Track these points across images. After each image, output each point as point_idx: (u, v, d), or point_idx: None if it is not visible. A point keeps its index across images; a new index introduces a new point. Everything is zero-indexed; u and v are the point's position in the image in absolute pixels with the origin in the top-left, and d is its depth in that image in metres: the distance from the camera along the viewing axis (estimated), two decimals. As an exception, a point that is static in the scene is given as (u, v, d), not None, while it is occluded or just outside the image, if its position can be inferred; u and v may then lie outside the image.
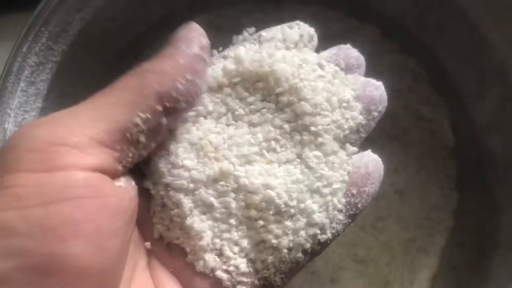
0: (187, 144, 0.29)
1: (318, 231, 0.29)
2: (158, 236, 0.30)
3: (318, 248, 0.30)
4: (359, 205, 0.30)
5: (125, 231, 0.25)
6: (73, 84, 0.42)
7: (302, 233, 0.29)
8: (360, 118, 0.31)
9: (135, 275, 0.28)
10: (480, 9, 0.39)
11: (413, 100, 0.51)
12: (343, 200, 0.30)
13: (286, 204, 0.29)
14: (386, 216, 0.51)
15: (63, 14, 0.37)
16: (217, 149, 0.29)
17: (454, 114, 0.50)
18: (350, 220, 0.30)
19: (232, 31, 0.52)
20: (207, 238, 0.29)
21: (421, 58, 0.50)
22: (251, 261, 0.29)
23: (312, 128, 0.30)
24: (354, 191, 0.30)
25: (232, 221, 0.29)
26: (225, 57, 0.32)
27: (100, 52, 0.45)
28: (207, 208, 0.29)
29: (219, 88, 0.30)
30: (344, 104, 0.31)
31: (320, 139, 0.30)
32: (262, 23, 0.52)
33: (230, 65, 0.31)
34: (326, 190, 0.29)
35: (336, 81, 0.32)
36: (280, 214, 0.29)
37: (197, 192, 0.29)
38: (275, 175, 0.29)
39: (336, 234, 0.30)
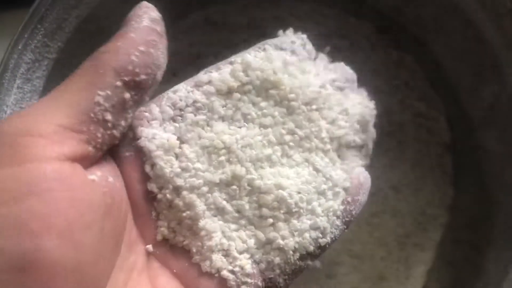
0: (198, 148, 0.30)
1: (320, 235, 0.30)
2: (161, 238, 0.30)
3: (318, 252, 0.31)
4: (353, 212, 0.32)
5: (100, 226, 0.25)
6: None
7: (307, 235, 0.30)
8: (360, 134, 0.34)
9: (132, 278, 0.28)
10: (475, 4, 0.39)
11: (409, 96, 0.51)
12: (341, 207, 0.31)
13: (296, 204, 0.30)
14: (382, 212, 0.51)
15: (59, 11, 0.37)
16: (230, 149, 0.30)
17: (450, 110, 0.50)
18: (345, 227, 0.32)
19: (229, 28, 0.53)
20: (216, 238, 0.29)
21: (417, 54, 0.50)
22: (256, 262, 0.30)
23: (323, 135, 0.31)
24: (349, 199, 0.32)
25: (242, 221, 0.30)
26: (232, 63, 0.32)
27: (96, 47, 0.45)
28: (219, 210, 0.30)
29: (229, 92, 0.31)
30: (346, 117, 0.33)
31: (328, 146, 0.32)
32: (259, 20, 0.53)
33: (239, 71, 0.31)
34: (330, 193, 0.31)
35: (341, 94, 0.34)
36: (290, 213, 0.30)
37: (210, 195, 0.30)
38: (287, 176, 0.30)
39: (333, 239, 0.31)
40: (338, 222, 0.31)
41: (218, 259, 0.29)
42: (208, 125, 0.31)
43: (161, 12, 0.50)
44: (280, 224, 0.30)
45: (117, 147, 0.29)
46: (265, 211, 0.30)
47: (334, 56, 0.52)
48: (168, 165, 0.29)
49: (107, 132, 0.26)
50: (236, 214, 0.30)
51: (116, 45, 0.27)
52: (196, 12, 0.52)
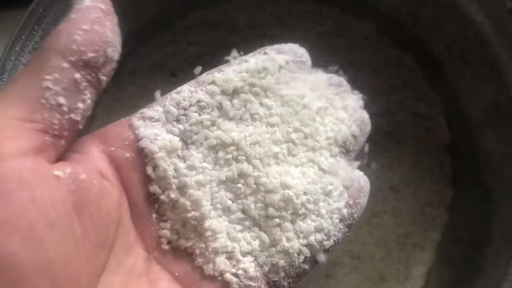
0: (204, 147, 0.30)
1: (325, 237, 0.30)
2: (166, 241, 0.30)
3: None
4: (355, 215, 0.32)
5: (67, 224, 0.25)
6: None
7: (312, 237, 0.30)
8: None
9: (130, 281, 0.28)
10: (475, 5, 0.39)
11: (408, 96, 0.51)
12: (345, 209, 0.31)
13: (303, 204, 0.30)
14: (381, 212, 0.51)
15: (56, 12, 0.37)
16: (239, 146, 0.30)
17: (449, 110, 0.50)
18: (347, 230, 0.32)
19: (228, 27, 0.53)
20: (221, 239, 0.29)
21: (416, 54, 0.50)
22: (259, 265, 0.30)
23: (329, 134, 0.32)
24: (351, 202, 0.32)
25: (247, 222, 0.30)
26: (233, 64, 0.32)
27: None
28: (224, 211, 0.30)
29: (234, 92, 0.31)
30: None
31: (333, 147, 0.32)
32: (257, 20, 0.53)
33: (242, 72, 0.31)
34: (335, 194, 0.31)
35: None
36: (296, 214, 0.30)
37: (216, 195, 0.30)
38: (293, 176, 0.30)
39: (336, 242, 0.31)
40: (341, 225, 0.31)
41: (221, 261, 0.29)
42: (213, 124, 0.30)
43: (161, 13, 0.50)
44: (286, 225, 0.30)
45: (116, 149, 0.29)
46: (271, 211, 0.29)
47: (334, 56, 0.52)
48: (171, 167, 0.29)
49: (65, 117, 0.26)
50: (242, 215, 0.30)
51: (58, 29, 0.26)
52: (195, 12, 0.52)
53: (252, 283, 0.29)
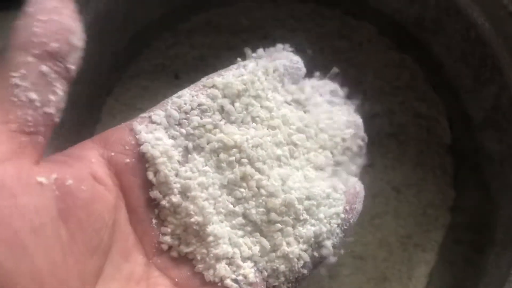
0: (206, 151, 0.30)
1: (323, 243, 0.30)
2: (166, 247, 0.29)
3: (318, 260, 0.31)
4: (351, 221, 0.32)
5: (52, 230, 0.24)
6: (73, 85, 0.42)
7: (311, 243, 0.30)
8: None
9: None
10: (476, 7, 0.39)
11: (410, 97, 0.51)
12: (342, 215, 0.31)
13: (305, 209, 0.30)
14: (384, 213, 0.51)
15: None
16: (241, 148, 0.30)
17: (451, 111, 0.50)
18: (343, 235, 0.32)
19: (230, 30, 0.53)
20: (223, 245, 0.29)
21: (418, 56, 0.50)
22: (259, 271, 0.30)
23: (337, 140, 0.33)
24: (348, 207, 0.32)
25: (248, 228, 0.30)
26: (232, 69, 0.32)
27: (100, 51, 0.45)
28: (226, 215, 0.30)
29: (235, 95, 0.31)
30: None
31: (328, 153, 0.32)
32: (259, 22, 0.53)
33: (242, 75, 0.32)
34: (335, 199, 0.31)
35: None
36: (298, 219, 0.30)
37: (220, 199, 0.30)
38: (294, 179, 0.31)
39: (332, 248, 0.31)
40: (338, 231, 0.31)
41: (222, 267, 0.29)
42: (215, 127, 0.30)
43: (164, 16, 0.51)
44: (287, 230, 0.30)
45: (116, 154, 0.29)
46: (273, 215, 0.30)
47: (336, 58, 0.53)
48: (172, 172, 0.29)
49: (38, 112, 0.25)
50: (243, 220, 0.30)
51: (16, 24, 0.25)
52: (198, 15, 0.52)
53: None
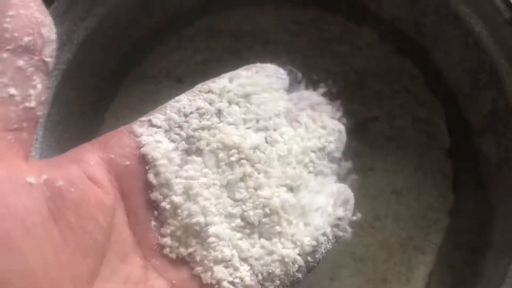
0: (206, 153, 0.30)
1: (318, 247, 0.31)
2: (167, 250, 0.30)
3: (312, 265, 0.31)
4: (342, 227, 0.32)
5: (43, 229, 0.24)
6: (78, 90, 0.43)
7: (307, 247, 0.30)
8: None
9: None
10: (474, 14, 0.40)
11: (410, 101, 0.52)
12: (335, 222, 0.32)
13: (302, 211, 0.31)
14: (384, 216, 0.52)
15: (68, 24, 0.38)
16: (240, 149, 0.30)
17: (450, 115, 0.51)
18: (335, 240, 0.32)
19: (233, 35, 0.54)
20: (223, 248, 0.29)
21: (417, 61, 0.51)
22: (255, 274, 0.30)
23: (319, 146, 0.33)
24: (340, 214, 0.32)
25: (246, 230, 0.30)
26: (225, 77, 0.33)
27: (103, 56, 0.46)
28: (226, 217, 0.30)
29: (231, 100, 0.32)
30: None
31: (317, 160, 0.33)
32: (262, 27, 0.54)
33: (236, 83, 0.32)
34: (330, 203, 0.32)
35: None
36: (293, 221, 0.31)
37: (220, 200, 0.30)
38: (292, 185, 0.31)
39: (325, 253, 0.32)
40: (330, 236, 0.32)
41: (219, 270, 0.29)
42: (214, 128, 0.31)
43: (168, 21, 0.51)
44: (284, 233, 0.30)
45: (116, 156, 0.29)
46: (270, 218, 0.30)
47: (336, 62, 0.53)
48: (173, 174, 0.29)
49: (19, 108, 0.25)
50: (242, 222, 0.30)
51: None
52: (201, 20, 0.53)
53: None
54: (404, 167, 0.52)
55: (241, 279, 0.29)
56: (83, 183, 0.27)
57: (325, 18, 0.52)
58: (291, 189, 0.31)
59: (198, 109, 0.31)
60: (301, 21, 0.53)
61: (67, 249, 0.25)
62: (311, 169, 0.32)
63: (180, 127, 0.31)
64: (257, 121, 0.32)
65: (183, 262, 0.30)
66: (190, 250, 0.30)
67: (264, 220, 0.30)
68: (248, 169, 0.30)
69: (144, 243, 0.30)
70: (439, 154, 0.52)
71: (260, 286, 0.30)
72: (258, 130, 0.32)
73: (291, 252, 0.30)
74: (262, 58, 0.54)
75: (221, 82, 0.32)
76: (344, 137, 0.35)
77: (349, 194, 0.33)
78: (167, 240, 0.30)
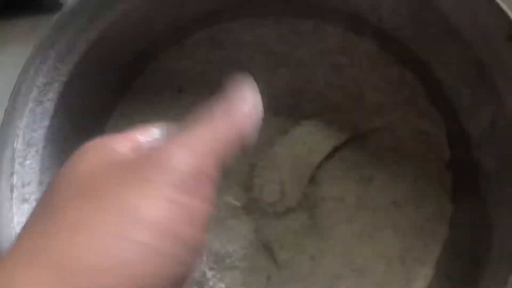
0: None
1: None
2: None
3: None
4: None
5: None
6: (79, 101, 0.43)
7: None
8: None
9: None
10: (473, 30, 0.40)
11: (410, 113, 0.52)
12: None
13: None
14: (383, 227, 0.52)
15: (70, 36, 0.39)
16: None
17: (450, 127, 0.51)
18: None
19: (233, 45, 0.54)
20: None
21: (418, 73, 0.51)
22: None
23: None
24: None
25: None
26: None
27: (105, 68, 0.46)
28: None
29: None
30: None
31: None
32: (262, 38, 0.54)
33: None
34: None
35: None
36: None
37: None
38: None
39: None
40: None
41: None
42: None
43: (168, 32, 0.52)
44: None
45: None
46: None
47: (337, 73, 0.54)
48: None
49: None
50: None
51: None
52: (201, 30, 0.53)
53: None
54: (404, 178, 0.52)
55: None
56: None
57: (326, 30, 0.52)
58: None
59: None
60: (302, 32, 0.53)
61: None
62: None
63: None
64: None
65: None
66: None
67: None
68: None
69: None
70: (439, 166, 0.52)
71: None
72: None
73: None
74: (263, 68, 0.55)
75: None
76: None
77: None
78: None
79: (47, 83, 0.38)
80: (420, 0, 0.41)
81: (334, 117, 0.53)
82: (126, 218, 0.21)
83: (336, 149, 0.53)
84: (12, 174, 0.38)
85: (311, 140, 0.53)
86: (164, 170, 0.23)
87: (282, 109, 0.53)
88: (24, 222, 0.24)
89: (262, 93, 0.54)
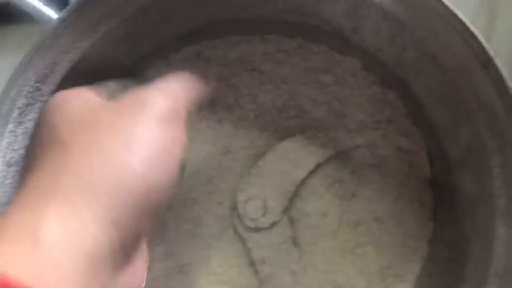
0: None
1: None
2: None
3: None
4: None
5: None
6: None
7: None
8: None
9: None
10: (449, 55, 0.40)
11: (392, 131, 0.53)
12: None
13: None
14: (365, 243, 0.53)
15: (52, 57, 0.39)
16: None
17: (430, 147, 0.51)
18: None
19: (219, 62, 0.55)
20: None
21: (399, 92, 0.51)
22: None
23: None
24: None
25: None
26: None
27: (89, 85, 0.47)
28: None
29: None
30: None
31: None
32: (248, 55, 0.55)
33: None
34: None
35: None
36: None
37: None
38: None
39: None
40: None
41: None
42: None
43: (156, 47, 0.52)
44: None
45: None
46: None
47: (320, 91, 0.54)
48: None
49: None
50: None
51: None
52: (189, 46, 0.54)
53: None
54: (386, 195, 0.53)
55: None
56: None
57: (310, 48, 0.53)
58: None
59: None
60: (286, 50, 0.53)
61: None
62: None
63: None
64: None
65: None
66: None
67: None
68: None
69: None
70: (419, 184, 0.52)
71: None
72: None
73: None
74: (248, 85, 0.55)
75: None
76: None
77: None
78: None
79: (28, 104, 0.39)
80: (398, 25, 0.42)
81: (317, 134, 0.53)
82: (129, 137, 0.29)
83: (319, 166, 0.53)
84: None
85: (294, 157, 0.53)
86: (149, 107, 0.31)
87: (266, 125, 0.54)
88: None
89: (247, 108, 0.55)
